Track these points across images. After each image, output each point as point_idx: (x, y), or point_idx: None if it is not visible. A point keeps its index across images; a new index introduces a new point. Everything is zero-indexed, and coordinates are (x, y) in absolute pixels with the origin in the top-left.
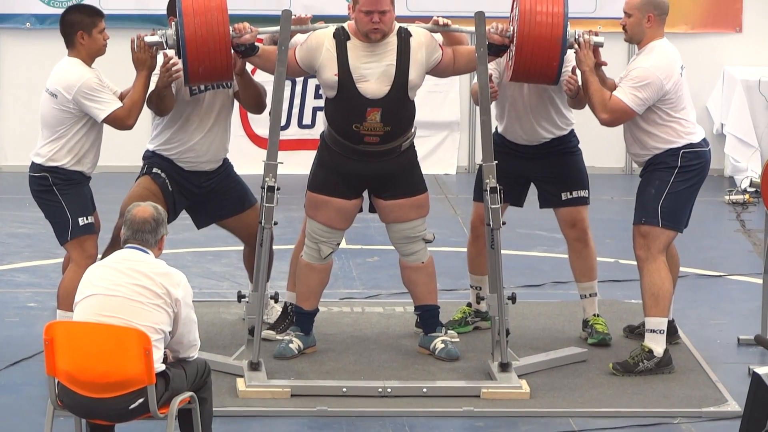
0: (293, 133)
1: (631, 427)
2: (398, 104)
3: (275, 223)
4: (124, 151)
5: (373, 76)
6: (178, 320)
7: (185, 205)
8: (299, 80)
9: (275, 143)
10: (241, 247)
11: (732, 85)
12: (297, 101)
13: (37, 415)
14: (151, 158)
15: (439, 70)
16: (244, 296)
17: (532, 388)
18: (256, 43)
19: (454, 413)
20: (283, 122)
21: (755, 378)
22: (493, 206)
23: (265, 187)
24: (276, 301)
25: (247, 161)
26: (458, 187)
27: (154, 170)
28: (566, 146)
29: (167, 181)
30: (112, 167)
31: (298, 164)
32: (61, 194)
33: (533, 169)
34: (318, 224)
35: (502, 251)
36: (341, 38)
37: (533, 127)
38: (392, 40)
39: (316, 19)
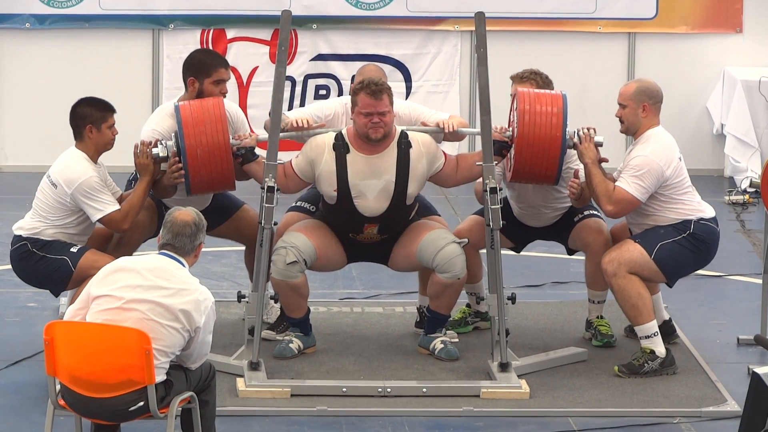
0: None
1: (631, 427)
2: (396, 217)
3: (275, 224)
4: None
5: (371, 193)
6: (192, 342)
7: None
8: (299, 81)
9: (275, 144)
10: (241, 247)
11: (732, 85)
12: (297, 102)
13: (37, 415)
14: None
15: (440, 179)
16: (243, 296)
17: (532, 388)
18: (256, 151)
19: (454, 413)
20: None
21: (755, 378)
22: (492, 207)
23: (265, 187)
24: (276, 302)
25: None
26: (458, 187)
27: (150, 192)
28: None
29: (161, 201)
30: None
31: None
32: (41, 252)
33: (544, 232)
34: (295, 233)
35: (502, 252)
36: (341, 151)
37: (542, 213)
38: (392, 151)
39: (317, 20)
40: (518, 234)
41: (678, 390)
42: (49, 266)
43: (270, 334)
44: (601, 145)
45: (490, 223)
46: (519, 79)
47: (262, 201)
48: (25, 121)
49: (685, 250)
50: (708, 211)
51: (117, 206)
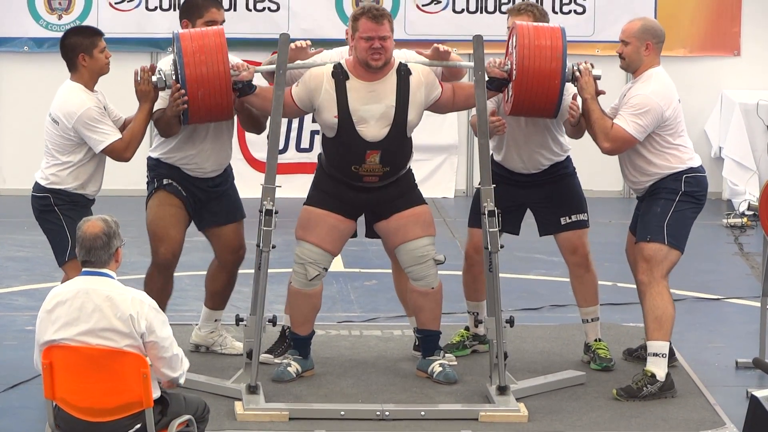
0: (291, 156)
1: None
2: (396, 145)
3: (273, 247)
4: (131, 174)
5: (372, 118)
6: (149, 347)
7: (194, 209)
8: None
9: (273, 166)
10: (245, 270)
11: (730, 108)
12: (295, 124)
13: None
14: (157, 168)
15: (438, 107)
16: (242, 319)
17: (531, 412)
18: (253, 83)
19: None
20: (281, 146)
21: (753, 401)
22: (491, 230)
23: (263, 210)
24: (274, 325)
25: (245, 185)
26: (456, 210)
27: (165, 181)
28: (563, 171)
29: (180, 188)
30: (116, 191)
31: (296, 188)
32: (62, 215)
33: (530, 196)
34: (308, 245)
35: (500, 274)
36: (340, 78)
37: (531, 156)
38: (391, 78)
39: (315, 42)
40: (506, 214)
41: (676, 413)
42: (56, 234)
43: (268, 357)
44: (599, 78)
45: (488, 246)
46: (516, 11)
47: (260, 224)
48: (23, 144)
49: (684, 211)
50: (696, 160)
51: (119, 135)
